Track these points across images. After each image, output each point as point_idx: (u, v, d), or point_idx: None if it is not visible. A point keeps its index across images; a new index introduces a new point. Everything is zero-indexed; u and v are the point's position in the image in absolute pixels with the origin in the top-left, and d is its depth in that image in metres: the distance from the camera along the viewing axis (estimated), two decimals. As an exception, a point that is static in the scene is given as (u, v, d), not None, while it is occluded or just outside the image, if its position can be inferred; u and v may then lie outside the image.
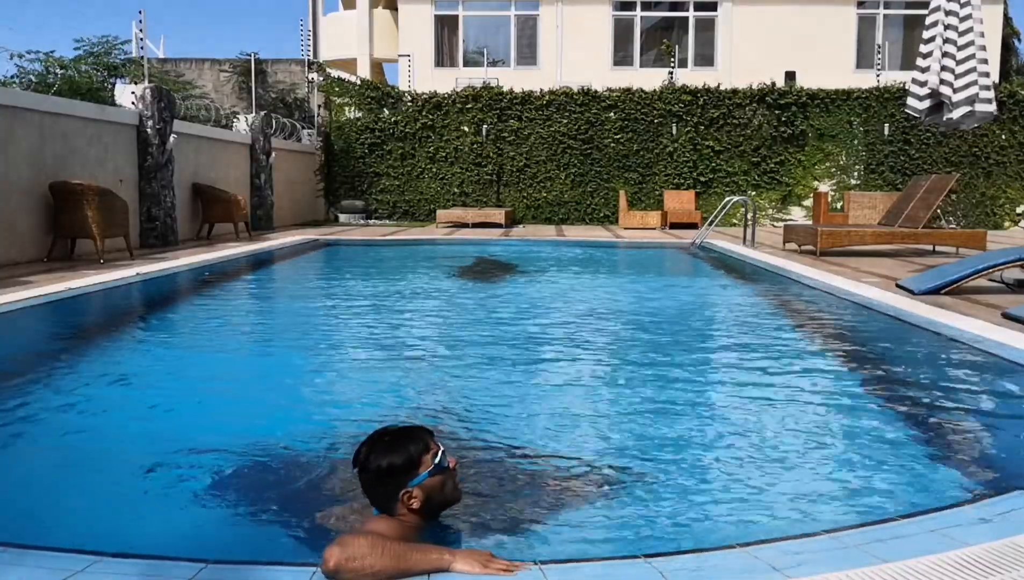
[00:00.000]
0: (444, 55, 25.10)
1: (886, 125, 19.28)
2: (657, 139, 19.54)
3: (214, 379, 4.74)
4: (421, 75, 23.44)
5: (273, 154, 16.91)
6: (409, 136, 19.94)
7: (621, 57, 24.62)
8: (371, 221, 19.71)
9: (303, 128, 21.10)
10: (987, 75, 8.83)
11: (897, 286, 7.67)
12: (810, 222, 17.65)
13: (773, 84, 19.50)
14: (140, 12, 13.11)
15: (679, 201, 18.94)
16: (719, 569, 2.18)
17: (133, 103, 11.89)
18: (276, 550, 2.45)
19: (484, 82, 21.57)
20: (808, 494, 2.93)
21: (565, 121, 19.60)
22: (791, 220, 19.01)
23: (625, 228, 17.90)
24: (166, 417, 3.93)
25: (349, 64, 26.11)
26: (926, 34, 9.00)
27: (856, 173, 19.54)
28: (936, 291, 7.16)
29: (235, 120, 17.62)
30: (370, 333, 6.36)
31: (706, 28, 24.41)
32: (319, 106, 21.07)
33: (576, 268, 11.28)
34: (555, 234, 16.20)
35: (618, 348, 5.77)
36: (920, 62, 9.03)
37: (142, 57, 14.33)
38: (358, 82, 20.93)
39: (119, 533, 2.56)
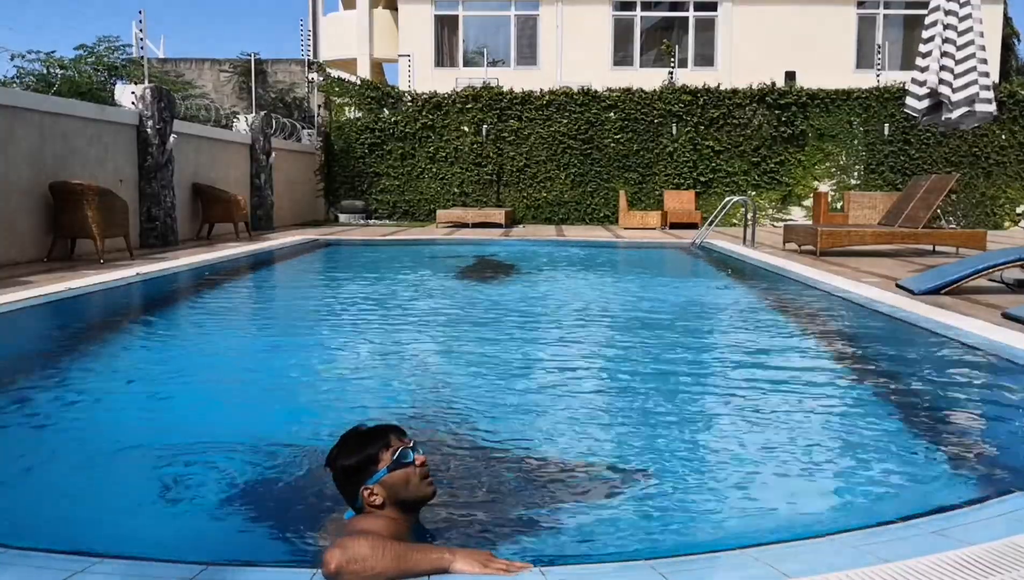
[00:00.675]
0: (444, 55, 25.10)
1: (886, 125, 19.28)
2: (657, 139, 19.54)
3: (214, 379, 4.74)
4: (421, 75, 23.44)
5: (273, 154, 16.91)
6: (409, 136, 19.94)
7: (621, 57, 24.62)
8: (371, 221, 19.71)
9: (303, 128, 21.10)
10: (987, 75, 8.82)
11: (897, 286, 7.67)
12: (810, 222, 17.64)
13: (773, 84, 19.50)
14: (140, 12, 13.11)
15: (679, 201, 18.94)
16: (719, 570, 2.18)
17: (133, 103, 11.89)
18: (276, 551, 2.45)
19: (484, 82, 21.57)
20: (808, 494, 2.93)
21: (565, 121, 19.60)
22: (791, 220, 19.01)
23: (625, 228, 17.90)
24: (165, 418, 3.93)
25: (349, 64, 26.11)
26: (925, 34, 8.99)
27: (856, 173, 19.54)
28: (936, 291, 7.16)
29: (235, 120, 17.61)
30: (370, 333, 6.35)
31: (706, 28, 24.41)
32: (319, 106, 21.07)
33: (576, 268, 11.27)
34: (555, 234, 16.20)
35: (618, 348, 5.77)
36: (919, 62, 9.02)
37: (142, 57, 14.32)
38: (358, 82, 20.93)
39: (119, 534, 2.56)
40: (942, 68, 8.74)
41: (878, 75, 20.81)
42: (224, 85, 27.38)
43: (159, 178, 11.97)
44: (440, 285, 9.37)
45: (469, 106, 19.80)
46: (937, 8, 8.89)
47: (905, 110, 9.63)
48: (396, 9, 25.27)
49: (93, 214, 9.65)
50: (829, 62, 22.91)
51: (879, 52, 22.23)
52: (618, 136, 19.53)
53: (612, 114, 19.55)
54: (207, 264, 10.04)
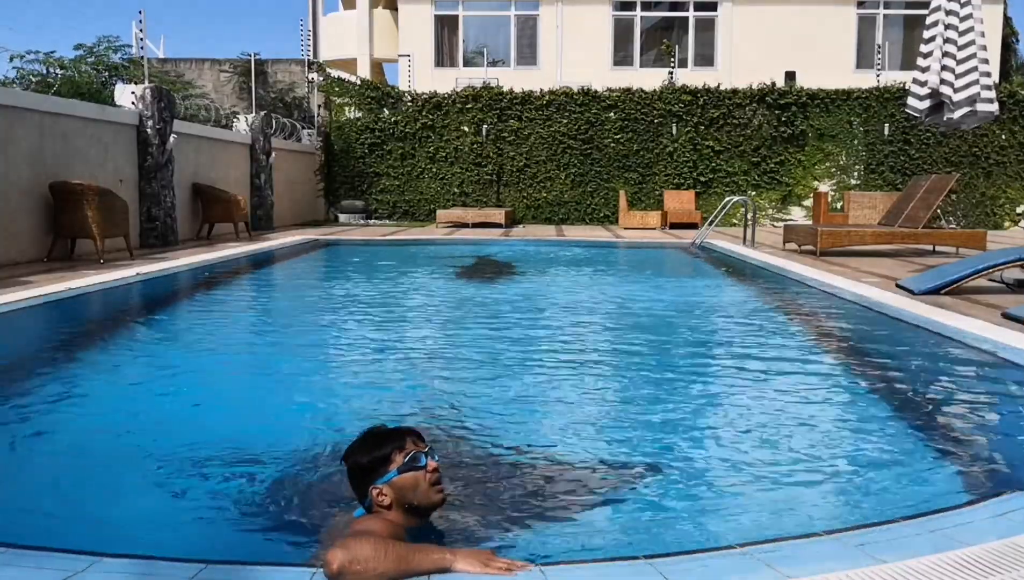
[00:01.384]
0: (444, 55, 25.10)
1: (886, 125, 19.28)
2: (657, 139, 19.54)
3: (214, 380, 4.74)
4: (421, 75, 23.44)
5: (273, 154, 16.91)
6: (409, 136, 19.94)
7: (621, 57, 24.62)
8: (371, 221, 19.71)
9: (303, 128, 21.10)
10: (988, 75, 8.81)
11: (897, 286, 7.67)
12: (810, 222, 17.64)
13: (773, 84, 19.50)
14: (140, 12, 13.11)
15: (679, 201, 18.94)
16: (719, 569, 2.18)
17: (133, 103, 11.89)
18: (276, 551, 2.45)
19: (484, 82, 21.57)
20: (808, 494, 2.93)
21: (565, 121, 19.60)
22: (791, 220, 19.01)
23: (625, 228, 17.90)
24: (166, 417, 3.93)
25: (349, 64, 26.11)
26: (926, 34, 8.99)
27: (856, 173, 19.54)
28: (936, 291, 7.16)
29: (235, 120, 17.62)
30: (370, 334, 6.36)
31: (706, 28, 24.41)
32: (319, 106, 21.07)
33: (576, 268, 11.27)
34: (555, 234, 16.20)
35: (618, 348, 5.77)
36: (920, 62, 9.02)
37: (142, 57, 14.32)
38: (358, 82, 20.93)
39: (120, 533, 2.56)
40: (943, 68, 8.73)
41: (878, 75, 20.81)
42: (224, 85, 27.38)
43: (159, 178, 11.98)
44: (440, 285, 9.37)
45: (469, 106, 19.80)
46: (938, 8, 8.89)
47: (906, 110, 9.63)
48: (396, 9, 25.27)
49: (93, 214, 9.65)
50: (829, 62, 22.91)
51: (879, 52, 22.23)
52: (618, 136, 19.53)
53: (612, 114, 19.55)
54: (207, 264, 10.04)
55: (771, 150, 19.44)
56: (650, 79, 20.73)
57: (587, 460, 3.25)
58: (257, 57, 23.79)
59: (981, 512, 2.54)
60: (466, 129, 19.85)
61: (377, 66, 27.90)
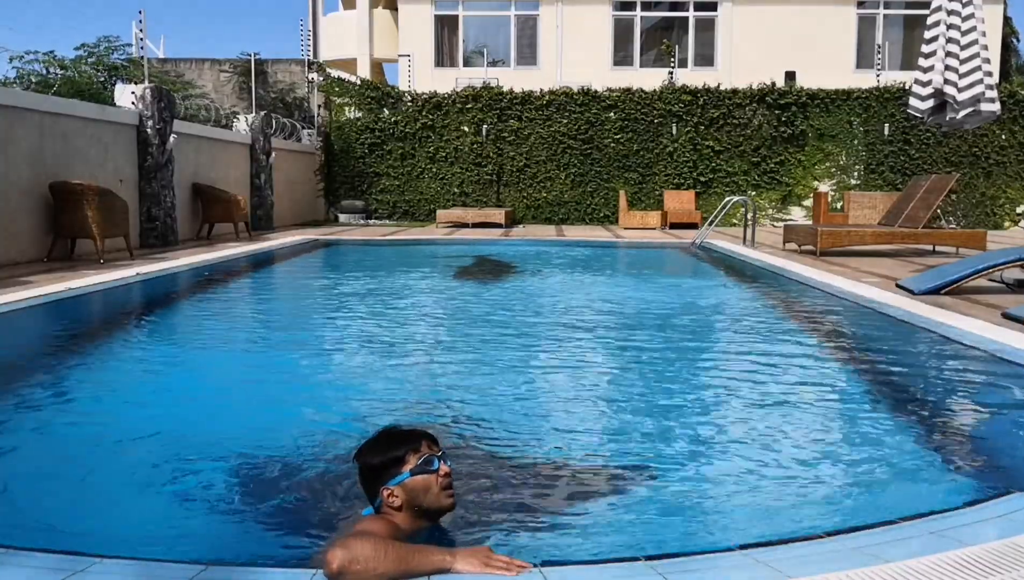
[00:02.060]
0: (444, 55, 25.10)
1: (886, 125, 19.28)
2: (657, 139, 19.54)
3: (214, 380, 4.74)
4: (421, 75, 23.44)
5: (273, 154, 16.91)
6: (409, 136, 19.94)
7: (621, 57, 24.62)
8: (371, 221, 19.71)
9: (303, 128, 21.11)
10: (990, 74, 8.80)
11: (897, 286, 7.67)
12: (810, 222, 17.64)
13: (773, 84, 19.50)
14: (140, 12, 13.11)
15: (679, 201, 18.94)
16: (719, 570, 2.18)
17: (133, 103, 11.89)
18: (276, 552, 2.45)
19: (484, 82, 21.57)
20: (808, 494, 2.93)
21: (565, 121, 19.60)
22: (791, 220, 19.01)
23: (625, 228, 17.90)
24: (166, 417, 3.93)
25: (349, 64, 26.11)
26: (928, 34, 8.98)
27: (856, 173, 19.54)
28: (936, 291, 7.16)
29: (235, 120, 17.62)
30: (370, 333, 6.36)
31: (706, 28, 24.41)
32: (319, 106, 21.07)
33: (576, 268, 11.27)
34: (555, 234, 16.20)
35: (618, 348, 5.77)
36: (922, 62, 9.01)
37: (142, 57, 14.32)
38: (358, 82, 20.93)
39: (120, 534, 2.56)
40: (947, 68, 8.73)
41: (878, 75, 20.81)
42: (224, 85, 27.39)
43: (159, 178, 11.97)
44: (440, 285, 9.37)
45: (469, 106, 19.80)
46: (939, 8, 8.88)
47: (908, 110, 9.61)
48: (396, 9, 25.27)
49: (93, 214, 9.65)
50: (829, 62, 22.91)
51: (879, 52, 22.23)
52: (618, 136, 19.53)
53: (612, 114, 19.55)
54: (207, 264, 10.04)
55: (771, 150, 19.43)
56: (650, 79, 20.73)
57: (587, 460, 3.25)
58: (257, 57, 23.79)
59: (981, 512, 2.54)
60: (466, 129, 19.85)
61: (377, 66, 27.90)
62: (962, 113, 8.77)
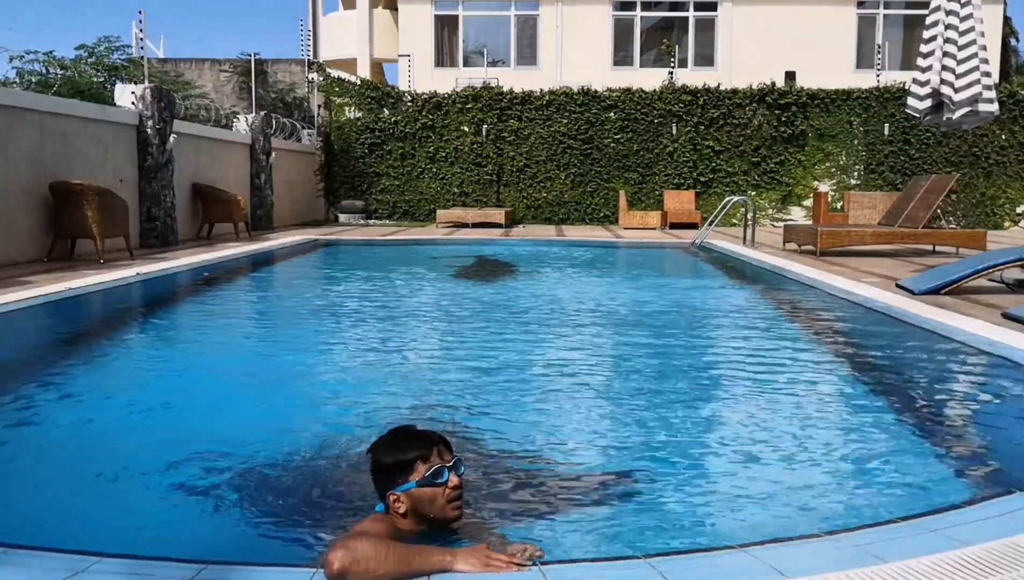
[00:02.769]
0: (444, 55, 25.09)
1: (886, 125, 19.28)
2: (657, 139, 19.54)
3: (214, 380, 4.74)
4: (421, 75, 23.44)
5: (273, 154, 16.91)
6: (409, 136, 19.94)
7: (621, 57, 24.62)
8: (371, 221, 19.71)
9: (303, 128, 21.10)
10: (988, 75, 8.80)
11: (897, 286, 7.67)
12: (810, 222, 17.64)
13: (773, 84, 19.50)
14: (140, 12, 13.11)
15: (679, 201, 18.94)
16: (719, 569, 2.18)
17: (133, 103, 11.89)
18: (276, 551, 2.45)
19: (484, 82, 21.56)
20: (808, 494, 2.93)
21: (565, 121, 19.60)
22: (791, 220, 19.01)
23: (625, 228, 17.90)
24: (166, 417, 3.93)
25: (349, 64, 26.11)
26: (926, 34, 8.98)
27: (856, 173, 19.54)
28: (936, 291, 7.16)
29: (235, 120, 17.61)
30: (370, 334, 6.36)
31: (706, 28, 24.41)
32: (319, 106, 21.07)
33: (576, 268, 11.27)
34: (555, 234, 16.20)
35: (618, 348, 5.77)
36: (921, 62, 9.01)
37: (142, 57, 14.32)
38: (358, 82, 20.93)
39: (120, 533, 2.56)
40: (944, 68, 8.72)
41: (878, 75, 20.81)
42: (224, 85, 27.39)
43: (159, 178, 11.97)
44: (440, 285, 9.37)
45: (469, 106, 19.80)
46: (938, 8, 8.88)
47: (906, 110, 9.61)
48: (396, 9, 25.27)
49: (93, 214, 9.65)
50: (829, 62, 22.91)
51: (879, 52, 22.23)
52: (618, 136, 19.53)
53: (612, 114, 19.55)
54: (207, 264, 10.03)
55: (771, 150, 19.43)
56: (650, 79, 20.73)
57: (587, 460, 3.25)
58: (257, 57, 23.79)
59: (981, 512, 2.54)
60: (466, 129, 19.85)
61: (377, 66, 27.90)
62: (959, 113, 8.77)
